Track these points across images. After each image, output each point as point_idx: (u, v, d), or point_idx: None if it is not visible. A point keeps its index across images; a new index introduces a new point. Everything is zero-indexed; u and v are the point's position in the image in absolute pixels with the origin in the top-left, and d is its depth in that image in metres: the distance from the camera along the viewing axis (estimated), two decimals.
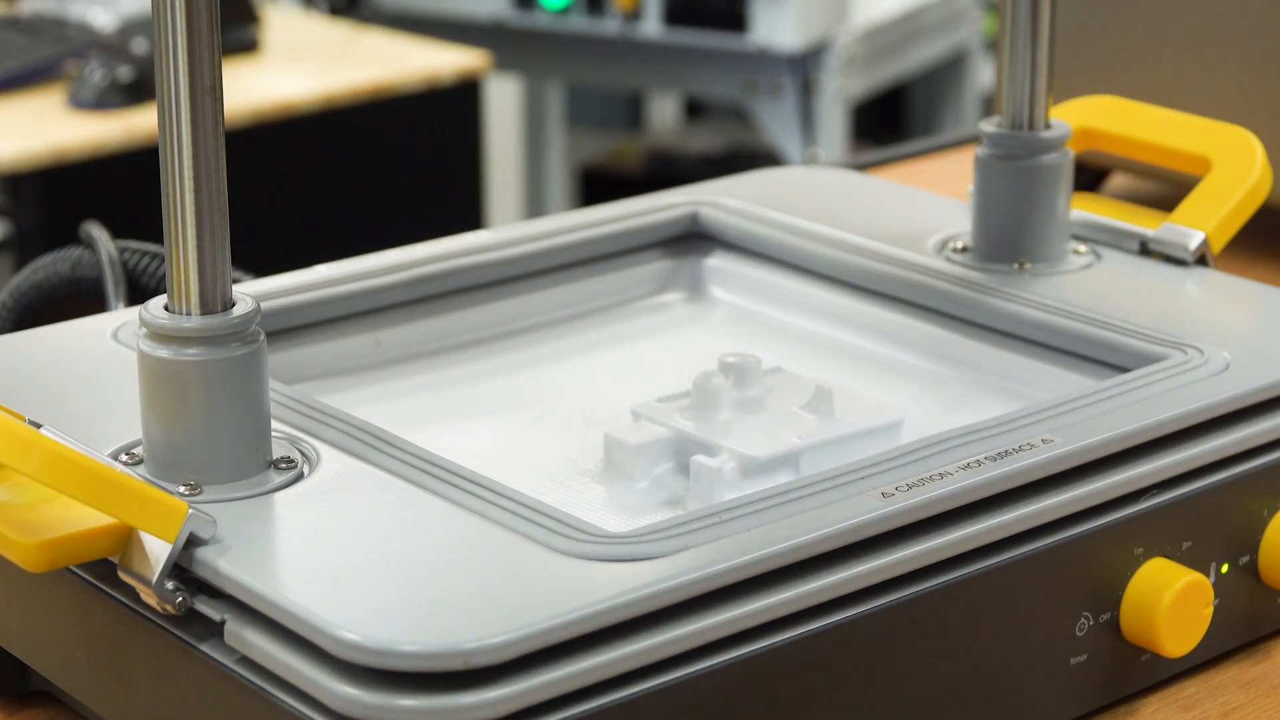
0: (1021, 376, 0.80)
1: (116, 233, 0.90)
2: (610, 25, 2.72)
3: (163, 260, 0.87)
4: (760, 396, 0.74)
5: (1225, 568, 0.72)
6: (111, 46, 2.13)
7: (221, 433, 0.63)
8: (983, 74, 3.21)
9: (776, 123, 2.71)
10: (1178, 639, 0.69)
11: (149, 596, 0.60)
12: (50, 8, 2.23)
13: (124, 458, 0.65)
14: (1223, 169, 0.87)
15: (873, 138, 3.31)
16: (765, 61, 2.68)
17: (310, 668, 0.56)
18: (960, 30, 3.11)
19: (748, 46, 2.65)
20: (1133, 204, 0.90)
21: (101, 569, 0.63)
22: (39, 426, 0.65)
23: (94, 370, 0.72)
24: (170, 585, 0.59)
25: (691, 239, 0.91)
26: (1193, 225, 0.85)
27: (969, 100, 3.21)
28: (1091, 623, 0.68)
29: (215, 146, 0.62)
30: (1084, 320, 0.79)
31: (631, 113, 3.65)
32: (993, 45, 3.12)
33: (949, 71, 3.20)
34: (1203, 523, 0.71)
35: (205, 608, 0.59)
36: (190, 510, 0.59)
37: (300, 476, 0.64)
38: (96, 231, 0.89)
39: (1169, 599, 0.68)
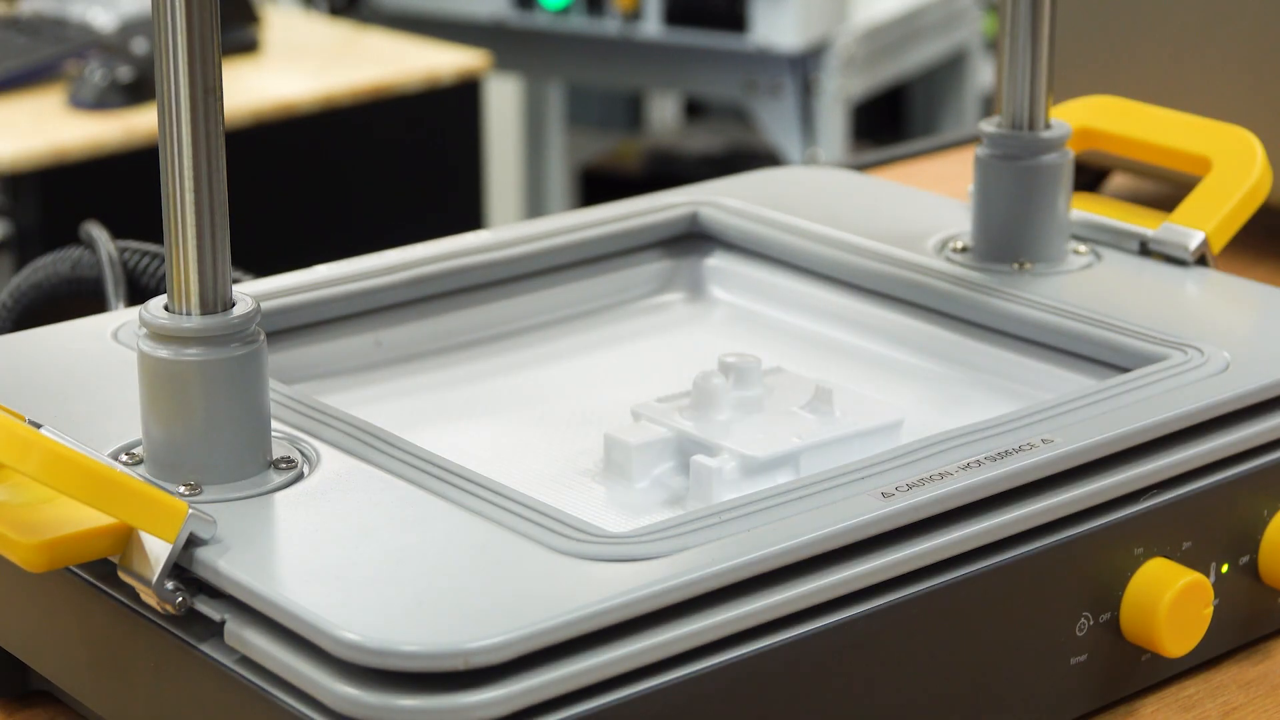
0: (1021, 376, 0.80)
1: (116, 233, 0.90)
2: (610, 25, 2.71)
3: (163, 260, 0.87)
4: (760, 396, 0.74)
5: (1225, 568, 0.72)
6: (111, 46, 2.13)
7: (221, 433, 0.63)
8: (983, 74, 3.21)
9: (776, 123, 2.71)
10: (1178, 639, 0.69)
11: (149, 596, 0.60)
12: (50, 8, 2.23)
13: (124, 458, 0.65)
14: (1223, 169, 0.87)
15: (873, 138, 3.31)
16: (765, 61, 2.68)
17: (310, 668, 0.56)
18: (960, 30, 3.11)
19: (748, 46, 2.65)
20: (1133, 204, 0.90)
21: (101, 569, 0.63)
22: (39, 426, 0.65)
23: (94, 370, 0.72)
24: (170, 585, 0.59)
25: (691, 239, 0.91)
26: (1193, 225, 0.85)
27: (969, 100, 3.20)
28: (1091, 623, 0.68)
29: (215, 146, 0.62)
30: (1084, 320, 0.79)
31: (631, 113, 3.65)
32: (993, 45, 3.12)
33: (949, 71, 3.20)
34: (1203, 523, 0.71)
35: (205, 608, 0.59)
36: (190, 510, 0.59)
37: (300, 476, 0.64)
38: (96, 231, 0.89)
39: (1169, 599, 0.68)
